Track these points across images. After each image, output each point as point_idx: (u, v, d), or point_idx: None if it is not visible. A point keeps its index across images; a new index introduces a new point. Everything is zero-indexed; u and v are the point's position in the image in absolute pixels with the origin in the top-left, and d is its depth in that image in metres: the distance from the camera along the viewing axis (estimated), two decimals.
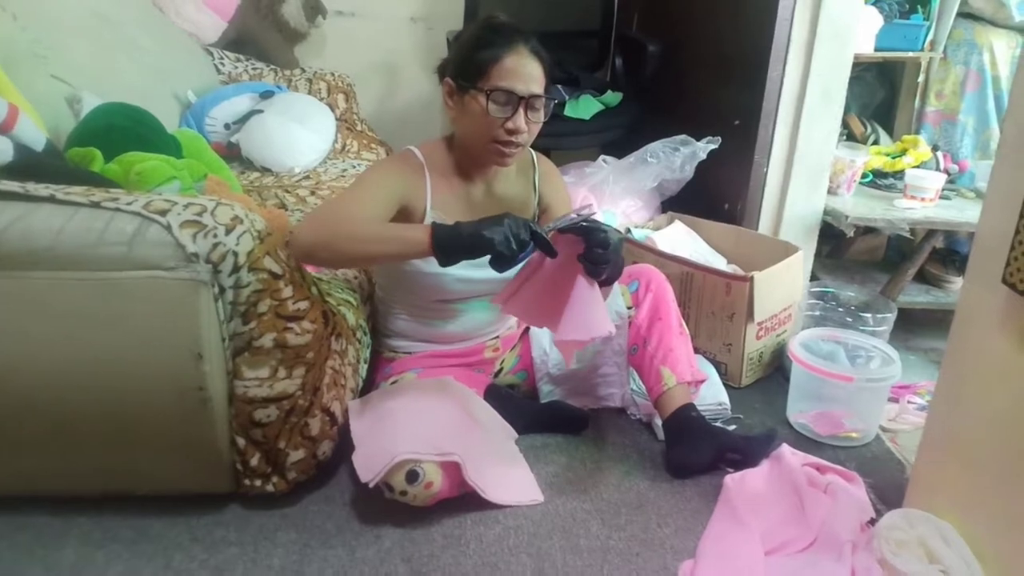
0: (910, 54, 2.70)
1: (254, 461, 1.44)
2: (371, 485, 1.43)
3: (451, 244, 1.38)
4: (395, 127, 3.23)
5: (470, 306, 1.76)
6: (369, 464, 1.44)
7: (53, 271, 1.27)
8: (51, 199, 1.29)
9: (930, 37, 2.68)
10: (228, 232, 1.31)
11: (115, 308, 1.30)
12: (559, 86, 2.87)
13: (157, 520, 1.46)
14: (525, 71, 1.52)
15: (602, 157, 2.65)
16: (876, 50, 2.60)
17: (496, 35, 1.54)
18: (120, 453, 1.42)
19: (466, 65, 1.55)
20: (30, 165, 1.53)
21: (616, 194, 2.48)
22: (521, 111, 1.53)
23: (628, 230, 2.33)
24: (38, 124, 1.66)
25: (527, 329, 1.90)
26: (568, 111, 2.79)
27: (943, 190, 2.46)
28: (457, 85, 1.57)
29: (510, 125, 1.53)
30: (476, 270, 1.69)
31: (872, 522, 1.48)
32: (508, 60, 1.51)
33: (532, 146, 1.74)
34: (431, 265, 1.64)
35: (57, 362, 1.33)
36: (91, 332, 1.31)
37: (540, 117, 1.57)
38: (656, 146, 2.48)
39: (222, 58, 2.96)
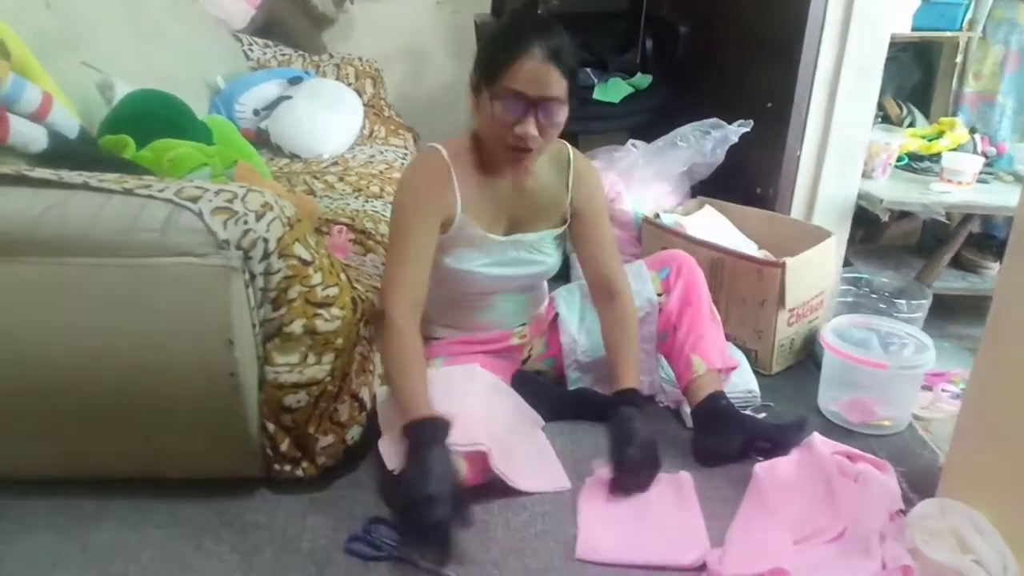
0: (948, 34, 2.63)
1: (284, 446, 1.46)
2: (396, 473, 1.44)
3: (415, 445, 1.39)
4: (421, 112, 3.22)
5: (499, 298, 1.76)
6: (396, 451, 1.45)
7: (87, 257, 1.29)
8: (85, 186, 1.31)
9: (969, 16, 2.62)
10: (258, 219, 1.32)
11: (148, 294, 1.31)
12: (588, 69, 2.85)
13: (189, 503, 1.48)
14: (538, 75, 1.45)
15: (631, 141, 2.62)
16: (913, 30, 2.53)
17: (513, 35, 1.48)
18: (153, 437, 1.44)
19: (483, 63, 1.52)
20: (64, 152, 1.56)
21: (645, 179, 2.45)
22: (532, 116, 1.47)
23: (657, 215, 2.31)
24: (71, 111, 1.68)
25: (556, 316, 1.90)
26: (597, 94, 2.76)
27: (980, 173, 2.41)
28: (475, 82, 1.54)
29: (519, 130, 1.48)
30: (504, 268, 1.68)
31: (902, 512, 1.46)
32: (520, 63, 1.44)
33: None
34: (460, 262, 1.64)
35: (91, 347, 1.35)
36: (124, 317, 1.33)
37: (554, 120, 1.50)
38: (686, 130, 2.44)
39: (251, 44, 2.98)
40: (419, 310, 1.55)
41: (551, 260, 1.75)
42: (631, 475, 1.52)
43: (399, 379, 1.48)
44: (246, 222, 1.31)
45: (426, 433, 1.39)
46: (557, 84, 1.47)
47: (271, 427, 1.44)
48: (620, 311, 1.70)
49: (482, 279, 1.67)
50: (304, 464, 1.48)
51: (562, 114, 1.51)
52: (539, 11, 1.55)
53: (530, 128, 1.48)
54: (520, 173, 1.65)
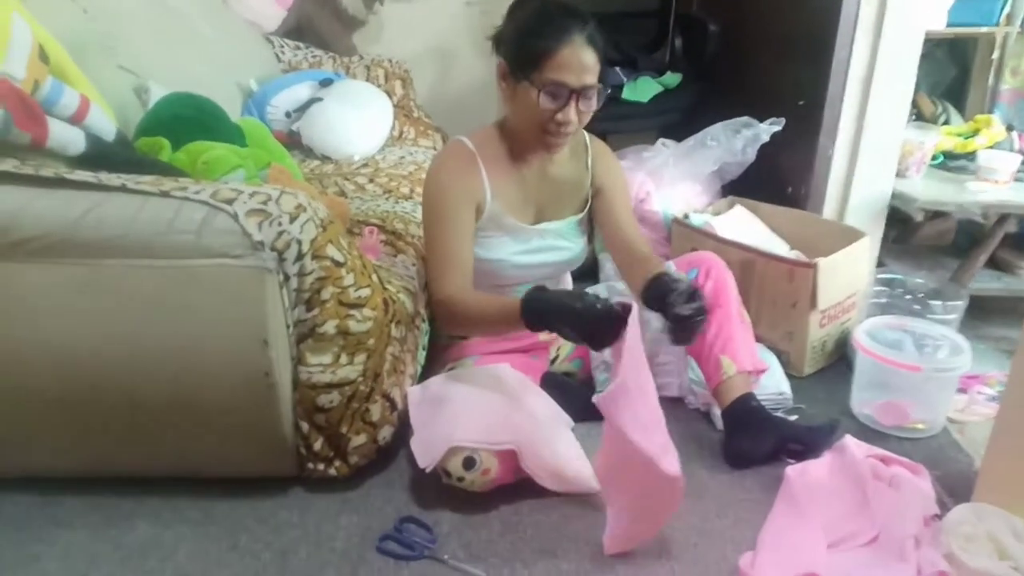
0: (984, 29, 2.60)
1: (317, 445, 1.47)
2: (428, 470, 1.45)
3: (536, 311, 1.45)
4: (451, 112, 3.23)
5: (525, 289, 1.76)
6: (427, 450, 1.46)
7: (126, 259, 1.32)
8: (123, 188, 1.33)
9: (1006, 11, 2.58)
10: (292, 220, 1.33)
11: (184, 295, 1.34)
12: (617, 68, 2.84)
13: (223, 502, 1.50)
14: (578, 63, 1.51)
15: (661, 140, 2.61)
16: (948, 25, 2.50)
17: (550, 23, 1.52)
18: (188, 436, 1.46)
19: (520, 53, 1.55)
20: (102, 155, 1.58)
21: (675, 178, 2.44)
22: (572, 103, 1.54)
23: (687, 215, 2.30)
24: (108, 114, 1.70)
25: None
26: (626, 94, 2.76)
27: (1017, 172, 2.36)
28: (510, 70, 1.58)
29: (560, 117, 1.54)
30: (530, 255, 1.71)
31: (937, 516, 1.44)
32: (562, 52, 1.50)
33: (590, 130, 1.74)
34: (489, 251, 1.67)
35: (130, 347, 1.37)
36: (161, 318, 1.36)
37: (592, 106, 1.57)
38: (716, 129, 2.43)
39: (282, 46, 3.00)
40: (470, 287, 1.61)
41: (576, 247, 1.80)
42: (687, 327, 1.45)
43: (486, 315, 1.57)
44: (280, 224, 1.33)
45: (542, 296, 1.46)
46: (595, 70, 1.53)
47: (305, 426, 1.46)
48: (648, 261, 1.67)
49: (510, 267, 1.71)
50: (337, 463, 1.50)
51: (598, 98, 1.57)
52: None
53: (572, 115, 1.54)
54: (546, 160, 1.70)
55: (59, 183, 1.34)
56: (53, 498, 1.51)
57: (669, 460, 1.34)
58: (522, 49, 1.54)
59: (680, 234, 2.26)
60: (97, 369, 1.39)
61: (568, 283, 1.95)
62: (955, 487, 1.56)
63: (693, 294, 1.44)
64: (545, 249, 1.73)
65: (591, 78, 1.53)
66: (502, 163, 1.67)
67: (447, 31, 3.29)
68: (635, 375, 1.33)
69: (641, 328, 1.36)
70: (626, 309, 1.34)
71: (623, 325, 1.34)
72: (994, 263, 2.57)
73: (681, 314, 1.42)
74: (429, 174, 1.68)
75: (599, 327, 1.36)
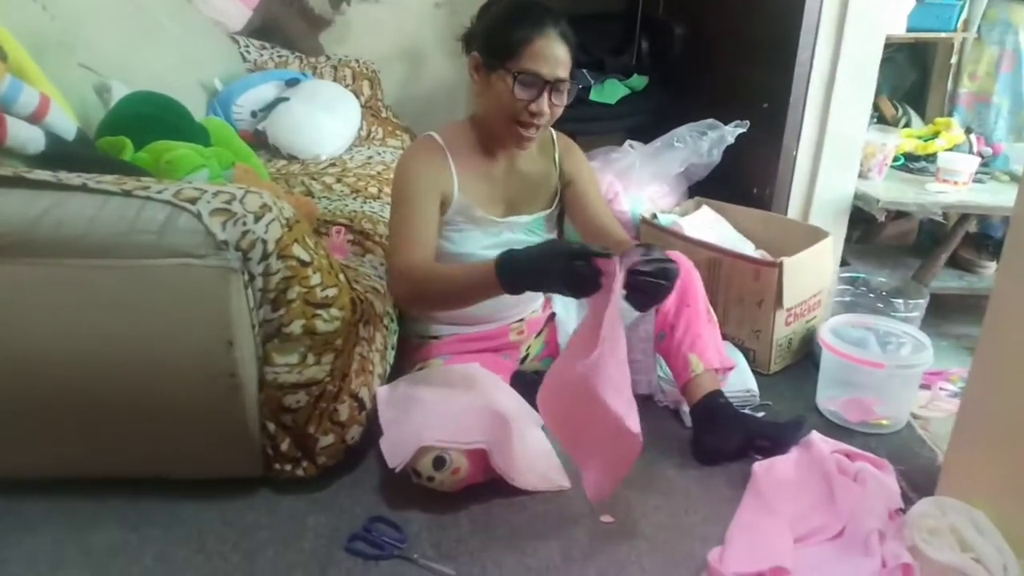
0: (943, 35, 2.64)
1: (284, 446, 1.46)
2: (397, 470, 1.44)
3: (513, 267, 1.39)
4: (419, 113, 3.23)
5: None
6: (396, 450, 1.46)
7: (86, 259, 1.29)
8: (83, 188, 1.31)
9: (963, 17, 2.62)
10: (257, 220, 1.32)
11: (147, 295, 1.32)
12: (584, 70, 2.85)
13: (190, 504, 1.48)
14: (552, 54, 1.53)
15: (628, 142, 2.63)
16: (908, 30, 2.54)
17: (526, 15, 1.55)
18: (153, 438, 1.44)
19: (494, 43, 1.56)
20: (62, 154, 1.55)
21: (642, 179, 2.46)
22: (545, 95, 1.55)
23: (654, 215, 2.32)
24: (68, 113, 1.67)
25: (552, 315, 1.90)
26: (593, 95, 2.77)
27: (977, 173, 2.41)
28: (484, 61, 1.58)
29: (533, 108, 1.55)
30: (500, 249, 1.69)
31: (902, 510, 1.46)
32: (537, 43, 1.52)
33: (558, 132, 1.75)
34: (455, 245, 1.67)
35: (91, 348, 1.35)
36: (124, 319, 1.33)
37: (563, 100, 1.59)
38: (683, 131, 2.45)
39: (247, 46, 2.98)
40: (432, 261, 1.60)
41: None
42: (652, 290, 1.39)
43: (453, 281, 1.52)
44: (245, 223, 1.31)
45: (517, 250, 1.42)
46: (567, 65, 1.56)
47: (271, 427, 1.44)
48: (625, 246, 1.63)
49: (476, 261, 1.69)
50: (305, 464, 1.48)
51: (569, 93, 1.59)
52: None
53: (544, 106, 1.55)
54: (515, 155, 1.71)
55: (18, 182, 1.31)
56: (16, 501, 1.47)
57: (633, 418, 1.38)
58: (498, 38, 1.55)
59: (648, 234, 2.27)
60: (59, 370, 1.36)
61: None
62: (919, 481, 1.59)
63: (663, 261, 1.38)
64: (514, 243, 1.72)
65: (563, 72, 1.55)
66: (471, 157, 1.68)
67: (415, 32, 3.29)
68: (612, 335, 1.35)
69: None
70: (607, 256, 1.33)
71: (600, 270, 1.33)
72: (955, 262, 2.62)
73: (642, 270, 1.35)
74: (398, 165, 1.68)
75: (577, 269, 1.33)
